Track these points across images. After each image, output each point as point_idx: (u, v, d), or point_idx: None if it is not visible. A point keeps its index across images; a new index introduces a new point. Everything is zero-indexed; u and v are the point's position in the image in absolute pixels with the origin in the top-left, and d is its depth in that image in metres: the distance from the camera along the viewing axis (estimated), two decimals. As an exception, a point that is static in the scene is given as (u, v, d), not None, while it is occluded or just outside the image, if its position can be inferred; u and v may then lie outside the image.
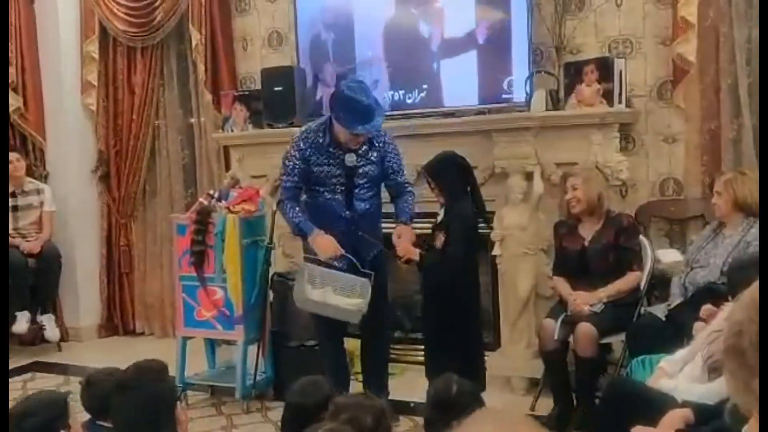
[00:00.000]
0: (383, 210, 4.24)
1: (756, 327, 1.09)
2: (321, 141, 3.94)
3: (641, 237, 4.21)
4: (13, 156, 5.84)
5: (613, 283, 4.01)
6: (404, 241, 3.93)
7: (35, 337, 5.92)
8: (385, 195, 4.21)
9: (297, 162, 3.96)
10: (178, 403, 2.41)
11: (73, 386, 4.17)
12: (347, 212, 3.98)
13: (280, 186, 4.13)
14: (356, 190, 4.00)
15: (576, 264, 4.14)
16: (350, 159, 3.94)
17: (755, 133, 4.34)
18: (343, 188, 3.98)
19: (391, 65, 5.10)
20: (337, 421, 1.99)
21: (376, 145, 4.02)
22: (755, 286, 1.16)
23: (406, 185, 4.14)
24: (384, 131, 4.10)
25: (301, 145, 3.96)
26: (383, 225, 4.27)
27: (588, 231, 4.14)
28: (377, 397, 2.29)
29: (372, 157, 4.01)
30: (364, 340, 4.33)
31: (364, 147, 3.98)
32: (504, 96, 4.75)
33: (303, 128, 4.14)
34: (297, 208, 4.00)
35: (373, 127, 3.88)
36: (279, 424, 4.16)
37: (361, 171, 3.99)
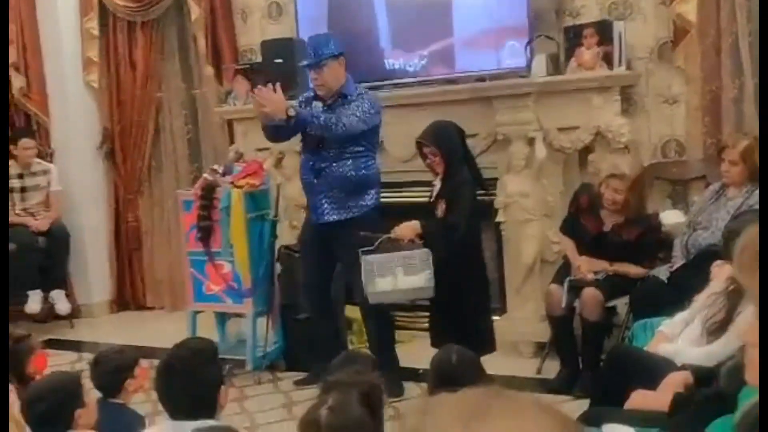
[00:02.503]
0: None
1: None
2: (310, 93, 4.28)
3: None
4: (28, 143, 5.89)
5: (624, 265, 4.02)
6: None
7: (47, 315, 5.97)
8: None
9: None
10: (223, 387, 2.36)
11: (87, 363, 4.24)
12: (312, 165, 4.17)
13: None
14: (322, 145, 4.13)
15: (590, 245, 4.13)
16: (316, 105, 4.14)
17: (756, 92, 4.33)
18: (311, 140, 4.16)
19: (392, 32, 5.09)
20: (331, 397, 2.04)
21: (349, 99, 4.12)
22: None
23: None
24: (365, 91, 4.21)
25: (300, 98, 4.39)
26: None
27: (610, 218, 4.09)
28: (369, 372, 2.33)
29: (341, 112, 4.06)
30: (365, 315, 4.39)
31: (339, 101, 4.12)
32: (505, 61, 4.74)
33: None
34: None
35: (311, 63, 4.08)
36: (291, 394, 4.29)
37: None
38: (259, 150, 5.31)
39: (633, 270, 4.04)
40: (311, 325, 4.53)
